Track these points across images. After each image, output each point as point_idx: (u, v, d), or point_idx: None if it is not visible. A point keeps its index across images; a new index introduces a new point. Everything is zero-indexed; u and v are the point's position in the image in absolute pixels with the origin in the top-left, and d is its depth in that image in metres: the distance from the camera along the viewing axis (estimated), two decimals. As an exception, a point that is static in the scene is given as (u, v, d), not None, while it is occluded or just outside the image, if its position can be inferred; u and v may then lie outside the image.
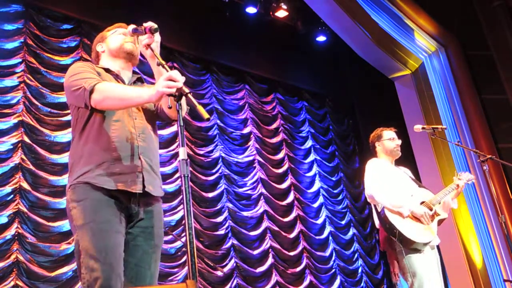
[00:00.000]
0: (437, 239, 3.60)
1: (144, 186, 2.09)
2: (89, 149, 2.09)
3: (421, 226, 3.50)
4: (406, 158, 7.59)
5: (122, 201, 2.07)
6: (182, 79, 1.89)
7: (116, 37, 2.35)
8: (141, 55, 2.28)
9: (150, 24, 2.11)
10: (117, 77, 2.28)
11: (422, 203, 3.62)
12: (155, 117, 2.34)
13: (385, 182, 3.62)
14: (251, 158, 7.28)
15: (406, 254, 3.41)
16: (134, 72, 2.41)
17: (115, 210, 2.03)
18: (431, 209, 3.58)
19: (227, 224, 6.62)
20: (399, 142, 3.83)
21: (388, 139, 3.81)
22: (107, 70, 2.27)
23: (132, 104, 2.10)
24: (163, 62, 2.04)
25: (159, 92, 1.90)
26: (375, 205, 3.67)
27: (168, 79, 1.88)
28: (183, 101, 1.95)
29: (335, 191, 8.07)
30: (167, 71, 1.94)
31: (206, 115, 1.82)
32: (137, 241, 2.09)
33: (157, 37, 2.15)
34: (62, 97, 5.46)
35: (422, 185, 3.90)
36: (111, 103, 2.05)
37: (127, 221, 2.08)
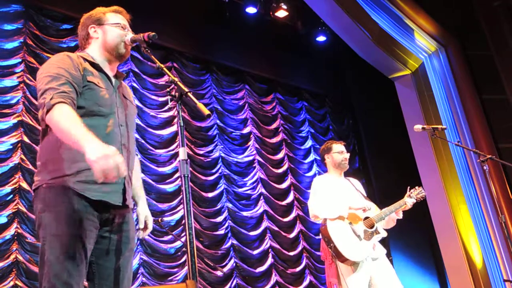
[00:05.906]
0: (378, 251, 3.64)
1: (124, 199, 2.07)
2: (70, 151, 1.94)
3: (360, 242, 3.56)
4: (406, 159, 7.67)
5: (99, 208, 2.01)
6: (116, 162, 1.72)
7: (115, 32, 2.20)
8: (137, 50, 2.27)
9: (148, 32, 2.12)
10: (105, 75, 2.18)
11: (366, 218, 3.69)
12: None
13: (327, 196, 3.74)
14: (251, 158, 7.28)
15: (340, 266, 3.51)
16: (118, 73, 2.28)
17: (90, 220, 1.96)
18: (373, 226, 3.64)
19: (227, 224, 6.62)
20: (347, 155, 3.97)
21: (337, 152, 3.95)
22: (92, 64, 2.13)
23: (67, 141, 1.89)
24: (162, 66, 2.05)
25: (88, 160, 1.72)
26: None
27: (104, 158, 1.70)
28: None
29: (335, 191, 8.06)
30: (167, 74, 1.95)
31: (206, 111, 1.84)
32: (114, 245, 2.07)
33: None
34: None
35: (367, 197, 3.97)
36: (55, 131, 1.91)
37: (102, 225, 2.04)
